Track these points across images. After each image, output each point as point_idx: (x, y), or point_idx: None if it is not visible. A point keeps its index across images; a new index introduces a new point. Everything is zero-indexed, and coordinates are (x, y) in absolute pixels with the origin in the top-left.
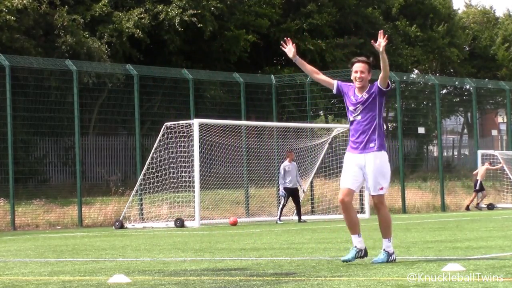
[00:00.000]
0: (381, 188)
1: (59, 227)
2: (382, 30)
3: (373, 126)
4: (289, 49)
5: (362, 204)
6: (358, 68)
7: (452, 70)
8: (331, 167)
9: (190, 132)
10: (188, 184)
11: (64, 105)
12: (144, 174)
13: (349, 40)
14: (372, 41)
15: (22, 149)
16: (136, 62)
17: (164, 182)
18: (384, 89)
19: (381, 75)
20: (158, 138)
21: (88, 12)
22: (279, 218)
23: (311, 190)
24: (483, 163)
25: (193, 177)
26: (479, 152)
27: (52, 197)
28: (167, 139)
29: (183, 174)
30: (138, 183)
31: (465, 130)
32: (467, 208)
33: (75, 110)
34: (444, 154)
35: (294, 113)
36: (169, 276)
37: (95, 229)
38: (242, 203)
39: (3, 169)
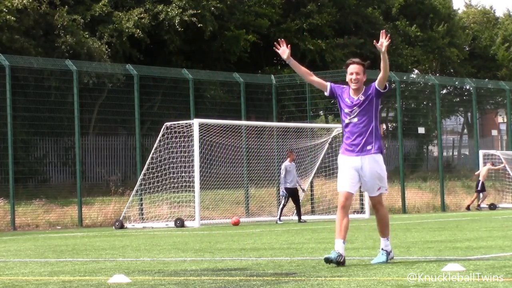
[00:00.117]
0: (379, 189)
1: (59, 227)
2: (384, 30)
3: (370, 128)
4: (283, 50)
5: (362, 204)
6: (353, 69)
7: (452, 70)
8: (331, 167)
9: (190, 132)
10: (188, 184)
11: (64, 105)
12: (144, 174)
13: (349, 40)
14: (374, 41)
15: (22, 149)
16: (136, 62)
17: (164, 182)
18: (382, 91)
19: (380, 75)
20: (158, 138)
21: (88, 12)
22: (279, 218)
23: (311, 190)
24: (484, 163)
25: (193, 177)
26: (481, 152)
27: (52, 197)
28: (167, 139)
29: (183, 174)
30: (138, 183)
31: (465, 130)
32: (468, 208)
33: (75, 110)
34: (444, 154)
35: (294, 113)
36: (169, 276)
37: (95, 229)
38: (242, 203)
39: (3, 169)
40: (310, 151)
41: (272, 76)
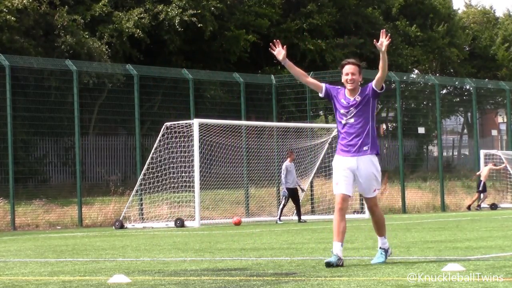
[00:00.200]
0: (375, 190)
1: (59, 227)
2: (384, 30)
3: (366, 129)
4: (279, 51)
5: (362, 204)
6: (348, 70)
7: (452, 70)
8: (331, 167)
9: (190, 132)
10: (188, 184)
11: (64, 105)
12: (144, 174)
13: (349, 40)
14: (374, 40)
15: (22, 149)
16: (136, 62)
17: (164, 182)
18: (379, 91)
19: (378, 75)
20: (158, 138)
21: (88, 12)
22: (279, 218)
23: (311, 190)
24: (485, 163)
25: (193, 177)
26: (482, 152)
27: (52, 197)
28: (167, 139)
29: (183, 174)
30: (138, 183)
31: (465, 130)
32: (468, 208)
33: (75, 110)
34: (444, 154)
35: (294, 113)
36: (169, 276)
37: (95, 229)
38: (242, 203)
39: (3, 169)
40: (310, 151)
41: (272, 76)
